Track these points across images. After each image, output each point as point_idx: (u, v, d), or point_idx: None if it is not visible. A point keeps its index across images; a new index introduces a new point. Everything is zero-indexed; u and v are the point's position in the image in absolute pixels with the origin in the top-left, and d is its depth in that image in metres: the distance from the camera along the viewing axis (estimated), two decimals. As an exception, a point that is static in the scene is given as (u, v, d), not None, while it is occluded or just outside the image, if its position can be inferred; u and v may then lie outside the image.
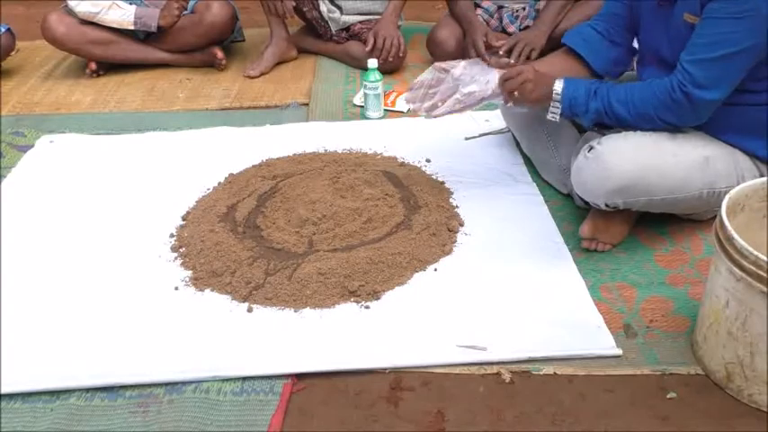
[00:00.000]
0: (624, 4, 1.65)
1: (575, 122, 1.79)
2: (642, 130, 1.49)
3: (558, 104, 1.53)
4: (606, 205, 1.52)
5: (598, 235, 1.59)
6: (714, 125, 1.50)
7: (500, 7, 2.60)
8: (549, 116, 1.55)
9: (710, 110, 1.44)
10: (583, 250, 1.60)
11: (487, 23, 2.58)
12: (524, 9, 2.57)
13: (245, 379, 1.29)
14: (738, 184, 1.40)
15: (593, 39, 1.69)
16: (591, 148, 1.49)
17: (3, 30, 2.70)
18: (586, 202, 1.61)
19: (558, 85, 1.52)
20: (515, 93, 1.54)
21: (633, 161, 1.45)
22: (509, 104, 1.60)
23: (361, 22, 2.71)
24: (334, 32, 2.76)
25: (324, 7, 2.70)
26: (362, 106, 2.34)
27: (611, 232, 1.60)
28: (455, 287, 1.50)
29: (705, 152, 1.50)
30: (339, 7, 2.71)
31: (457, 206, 1.77)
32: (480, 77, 1.60)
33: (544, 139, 1.85)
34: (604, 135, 1.54)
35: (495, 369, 1.30)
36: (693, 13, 1.45)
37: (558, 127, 1.76)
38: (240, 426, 1.21)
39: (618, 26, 1.68)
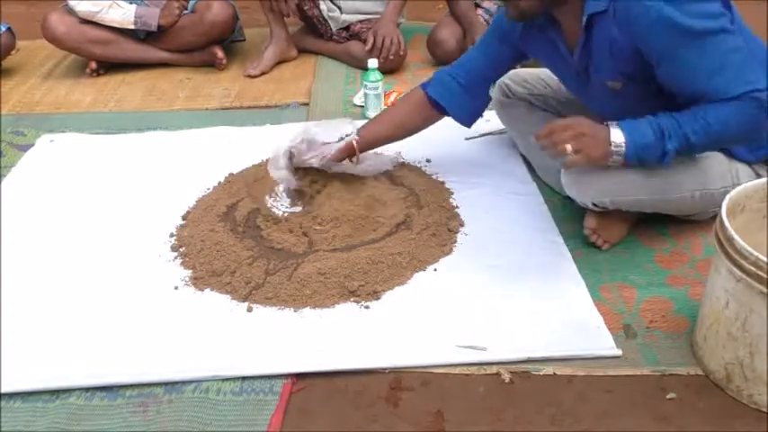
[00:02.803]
0: (501, 52, 1.68)
1: None
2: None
3: (619, 157, 1.38)
4: (594, 204, 1.52)
5: (599, 231, 1.59)
6: None
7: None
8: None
9: None
10: (583, 250, 1.60)
11: (488, 23, 2.58)
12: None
13: (244, 379, 1.29)
14: (734, 184, 1.41)
15: (455, 91, 1.72)
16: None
17: (3, 29, 2.70)
18: None
19: (618, 136, 1.36)
20: (568, 149, 1.36)
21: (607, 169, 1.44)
22: (565, 166, 1.46)
23: (361, 21, 2.71)
24: (334, 32, 2.76)
25: (324, 6, 2.70)
26: (363, 106, 2.33)
27: (610, 231, 1.60)
28: (455, 287, 1.50)
29: (690, 158, 1.49)
30: (339, 7, 2.71)
31: (457, 206, 1.77)
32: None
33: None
34: None
35: (494, 369, 1.30)
36: (614, 80, 1.47)
37: None
38: (240, 426, 1.20)
39: (478, 78, 1.73)
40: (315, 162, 1.71)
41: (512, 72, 1.91)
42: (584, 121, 1.40)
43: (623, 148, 1.36)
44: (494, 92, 1.94)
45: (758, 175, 1.51)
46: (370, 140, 1.75)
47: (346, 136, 1.73)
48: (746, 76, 1.32)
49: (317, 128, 1.74)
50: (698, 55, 1.33)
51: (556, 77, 1.77)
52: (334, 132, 1.74)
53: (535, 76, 1.89)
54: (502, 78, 1.90)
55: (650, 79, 1.42)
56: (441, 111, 1.76)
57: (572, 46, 1.51)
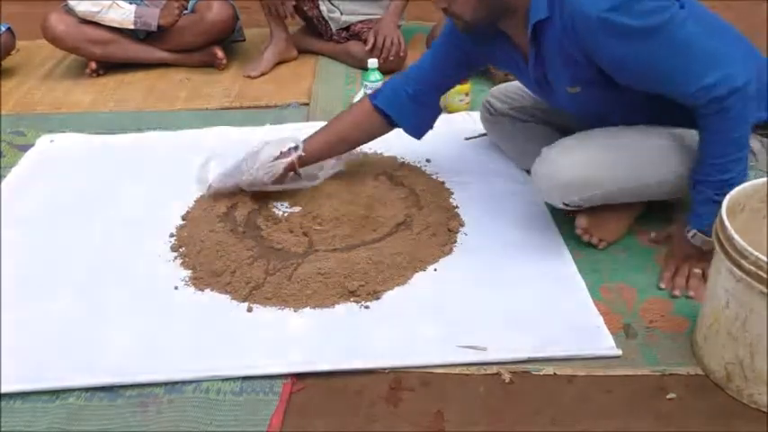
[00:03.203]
0: (452, 61, 1.66)
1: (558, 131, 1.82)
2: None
3: (706, 237, 1.39)
4: (565, 204, 1.53)
5: (591, 230, 1.58)
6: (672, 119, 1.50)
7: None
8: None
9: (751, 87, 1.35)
10: (582, 250, 1.60)
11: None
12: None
13: (244, 379, 1.29)
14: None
15: (403, 101, 1.69)
16: (539, 159, 1.54)
17: (3, 29, 2.70)
18: None
19: (698, 239, 1.42)
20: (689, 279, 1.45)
21: (579, 156, 1.47)
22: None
23: (361, 21, 2.71)
24: (334, 32, 2.76)
25: (324, 7, 2.70)
26: (363, 106, 2.33)
27: (605, 229, 1.59)
28: (455, 287, 1.50)
29: (666, 140, 1.49)
30: (339, 8, 2.71)
31: (457, 206, 1.77)
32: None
33: (532, 152, 1.86)
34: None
35: (494, 369, 1.29)
36: (571, 86, 1.46)
37: (543, 139, 1.79)
38: (240, 425, 1.20)
39: (428, 87, 1.69)
40: (266, 180, 1.70)
41: (494, 89, 1.94)
42: (679, 256, 1.47)
43: (702, 238, 1.40)
44: (480, 111, 1.97)
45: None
46: (314, 153, 1.73)
47: (293, 150, 1.71)
48: (704, 76, 1.30)
49: (266, 146, 1.72)
50: (650, 55, 1.31)
51: None
52: (280, 148, 1.71)
53: (516, 88, 1.89)
54: (486, 96, 1.93)
55: (609, 81, 1.40)
56: (389, 121, 1.73)
57: (526, 56, 1.49)
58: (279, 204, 1.77)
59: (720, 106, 1.31)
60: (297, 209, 1.74)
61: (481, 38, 1.55)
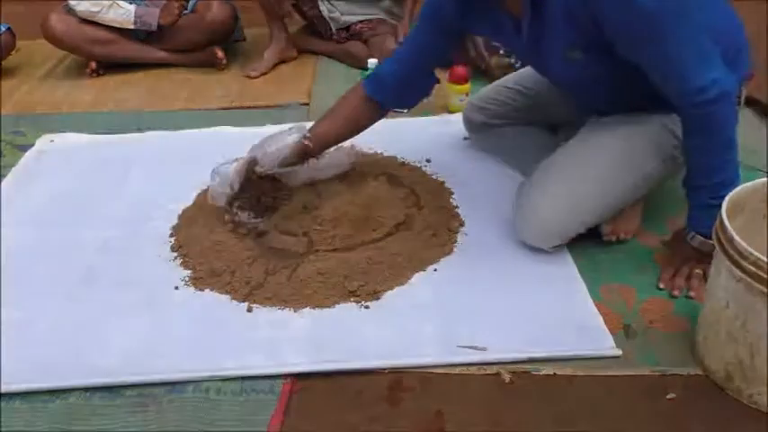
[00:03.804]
0: (433, 42, 1.64)
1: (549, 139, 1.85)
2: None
3: (705, 239, 1.40)
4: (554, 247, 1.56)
5: (617, 229, 1.60)
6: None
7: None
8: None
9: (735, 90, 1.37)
10: (583, 250, 1.59)
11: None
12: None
13: (244, 379, 1.29)
14: (677, 146, 1.48)
15: (391, 87, 1.68)
16: (519, 205, 1.58)
17: (3, 29, 2.70)
18: None
19: (697, 240, 1.43)
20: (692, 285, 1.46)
21: (556, 209, 1.51)
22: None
23: (361, 21, 2.72)
24: (334, 32, 2.76)
25: (324, 7, 2.71)
26: (363, 106, 2.33)
27: (627, 223, 1.61)
28: (455, 287, 1.50)
29: (615, 154, 1.52)
30: (338, 8, 2.72)
31: (457, 206, 1.77)
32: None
33: (522, 156, 1.88)
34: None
35: (494, 369, 1.29)
36: (571, 50, 1.41)
37: (528, 139, 1.86)
38: (240, 426, 1.20)
39: (414, 71, 1.69)
40: (268, 166, 1.67)
41: (468, 103, 1.96)
42: (679, 257, 1.48)
43: (708, 245, 1.36)
44: (463, 124, 2.00)
45: None
46: (321, 139, 1.71)
47: (293, 138, 1.69)
48: (697, 78, 1.30)
49: (269, 140, 1.71)
50: (655, 43, 1.30)
51: (510, 84, 1.82)
52: (284, 139, 1.70)
53: (491, 98, 1.90)
54: (462, 115, 1.97)
55: (610, 48, 1.37)
56: (380, 107, 1.74)
57: (517, 16, 1.45)
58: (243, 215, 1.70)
59: (708, 109, 1.32)
60: (258, 220, 1.70)
61: (466, 6, 1.52)
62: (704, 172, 1.39)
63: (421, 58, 1.68)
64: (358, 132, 1.78)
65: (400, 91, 1.71)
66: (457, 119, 2.08)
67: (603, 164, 1.52)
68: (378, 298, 1.47)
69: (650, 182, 1.56)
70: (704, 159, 1.38)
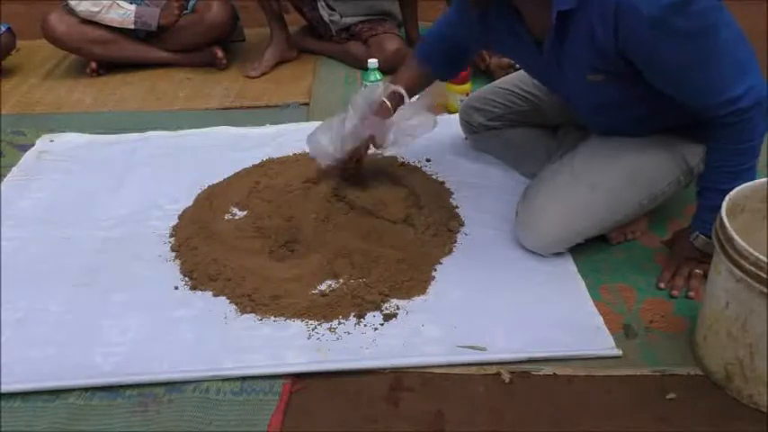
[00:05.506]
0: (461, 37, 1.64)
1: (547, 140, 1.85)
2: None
3: (708, 240, 1.39)
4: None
5: (625, 231, 1.61)
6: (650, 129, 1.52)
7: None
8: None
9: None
10: (583, 250, 1.59)
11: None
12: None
13: (244, 379, 1.29)
14: (683, 171, 1.51)
15: (440, 55, 1.70)
16: (517, 212, 1.60)
17: (3, 29, 2.70)
18: None
19: (701, 241, 1.44)
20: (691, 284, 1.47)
21: (556, 219, 1.52)
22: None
23: (361, 22, 2.71)
24: (334, 33, 2.76)
25: (323, 12, 2.71)
26: (363, 106, 2.33)
27: (634, 224, 1.61)
28: (455, 287, 1.50)
29: (627, 170, 1.51)
30: (336, 11, 2.72)
31: (457, 206, 1.77)
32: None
33: (524, 158, 1.88)
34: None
35: (494, 369, 1.29)
36: (593, 74, 1.38)
37: (527, 142, 1.87)
38: (240, 426, 1.20)
39: (451, 45, 1.68)
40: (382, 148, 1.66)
41: (464, 104, 1.96)
42: (680, 258, 1.49)
43: (707, 242, 1.40)
44: (461, 126, 1.99)
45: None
46: (408, 84, 1.67)
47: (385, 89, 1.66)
48: (732, 87, 1.28)
49: (359, 98, 1.66)
50: (690, 58, 1.27)
51: (508, 85, 1.82)
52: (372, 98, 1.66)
53: (489, 100, 1.89)
54: (459, 116, 1.97)
55: (635, 75, 1.35)
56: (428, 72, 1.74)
57: (538, 36, 1.41)
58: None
59: (741, 117, 1.30)
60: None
61: (486, 16, 1.48)
62: (723, 175, 1.37)
63: (449, 46, 1.69)
64: (428, 85, 1.79)
65: (452, 57, 1.73)
66: (457, 119, 2.08)
67: (613, 181, 1.52)
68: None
69: (656, 202, 1.56)
70: (726, 164, 1.37)
